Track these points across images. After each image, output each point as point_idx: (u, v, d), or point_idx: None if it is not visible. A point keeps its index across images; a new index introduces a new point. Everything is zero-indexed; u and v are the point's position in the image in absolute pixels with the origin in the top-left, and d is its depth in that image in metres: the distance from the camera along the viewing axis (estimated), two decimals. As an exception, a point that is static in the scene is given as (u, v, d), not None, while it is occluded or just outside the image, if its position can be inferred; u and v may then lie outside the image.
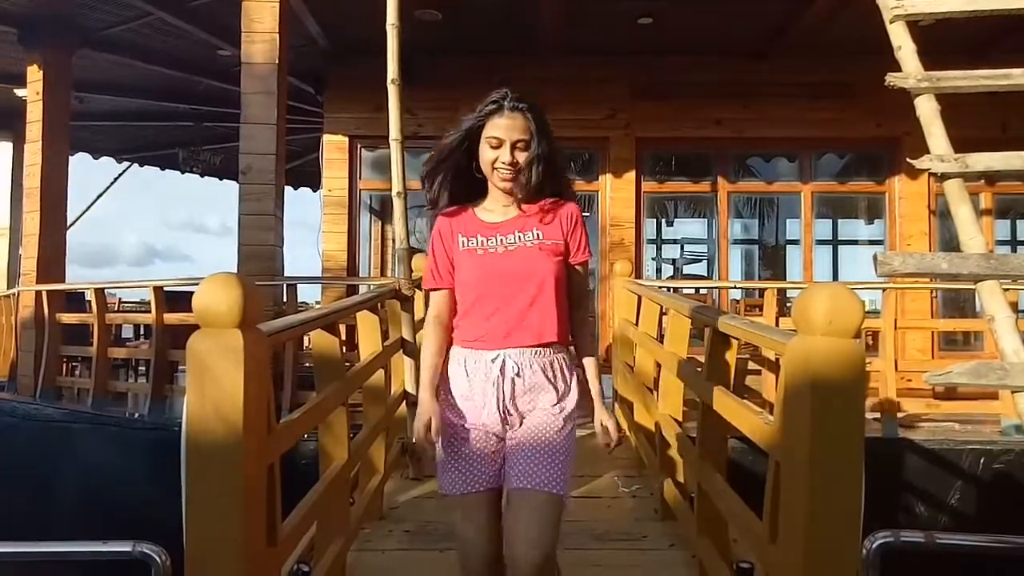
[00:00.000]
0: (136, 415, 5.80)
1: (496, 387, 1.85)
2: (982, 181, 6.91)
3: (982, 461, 4.47)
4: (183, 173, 11.54)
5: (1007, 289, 3.16)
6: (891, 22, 2.93)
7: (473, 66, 7.07)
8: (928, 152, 2.64)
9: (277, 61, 5.27)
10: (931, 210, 7.21)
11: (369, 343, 3.32)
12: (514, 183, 1.86)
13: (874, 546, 2.28)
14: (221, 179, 12.87)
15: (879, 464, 4.55)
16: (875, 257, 2.35)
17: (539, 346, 1.87)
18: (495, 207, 1.92)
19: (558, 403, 1.89)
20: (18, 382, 6.70)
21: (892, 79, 2.74)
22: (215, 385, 1.62)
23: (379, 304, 3.59)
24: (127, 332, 8.77)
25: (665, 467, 3.44)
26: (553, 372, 1.89)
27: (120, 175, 12.41)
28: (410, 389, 3.91)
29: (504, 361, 1.85)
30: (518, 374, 1.86)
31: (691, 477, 3.03)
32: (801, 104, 7.04)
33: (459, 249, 1.89)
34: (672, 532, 3.26)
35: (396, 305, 3.88)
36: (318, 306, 6.44)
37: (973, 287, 2.44)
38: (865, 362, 1.71)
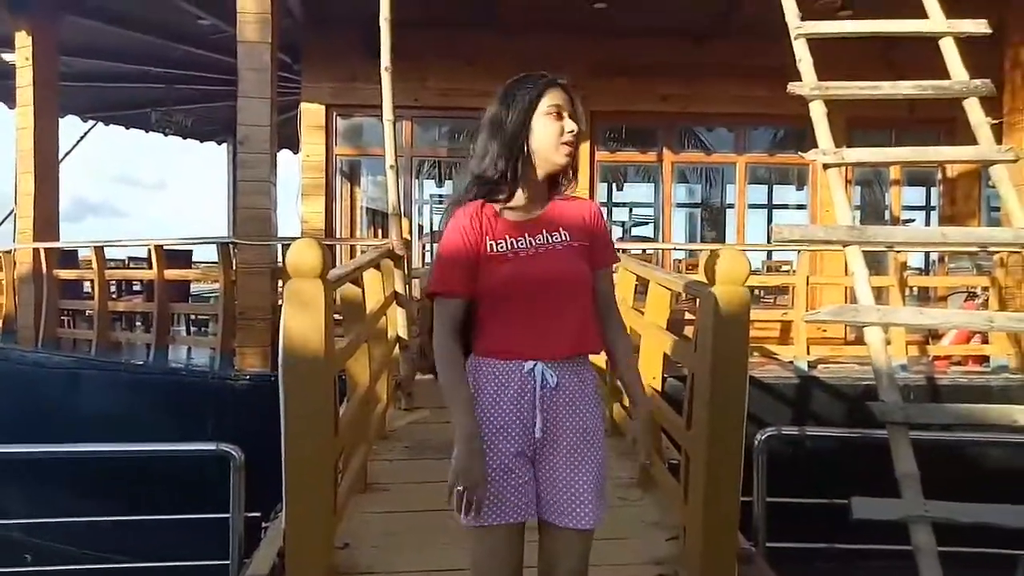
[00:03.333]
0: (141, 362, 6.38)
1: (531, 403, 1.69)
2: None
3: (872, 393, 5.43)
4: (154, 133, 11.78)
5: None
6: (795, 39, 3.71)
7: (437, 39, 7.64)
8: (816, 146, 3.44)
9: (269, 40, 5.80)
10: (848, 179, 8.14)
11: (375, 294, 4.03)
12: (570, 158, 1.74)
13: (763, 437, 3.16)
14: (185, 139, 13.22)
15: (791, 396, 5.52)
16: (771, 228, 3.16)
17: (575, 356, 1.74)
18: (520, 204, 1.73)
19: (595, 419, 1.77)
20: (18, 334, 7.18)
21: (792, 87, 3.53)
22: (306, 318, 2.31)
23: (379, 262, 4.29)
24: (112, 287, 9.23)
25: (613, 393, 4.26)
26: (588, 384, 1.77)
27: (85, 134, 12.58)
28: (403, 335, 4.65)
29: (541, 373, 1.69)
30: (556, 387, 1.70)
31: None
32: (738, 83, 7.82)
33: (487, 253, 1.68)
34: (618, 446, 4.09)
35: (390, 263, 4.57)
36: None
37: (843, 250, 3.27)
38: (749, 302, 2.52)
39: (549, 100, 1.71)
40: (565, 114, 1.72)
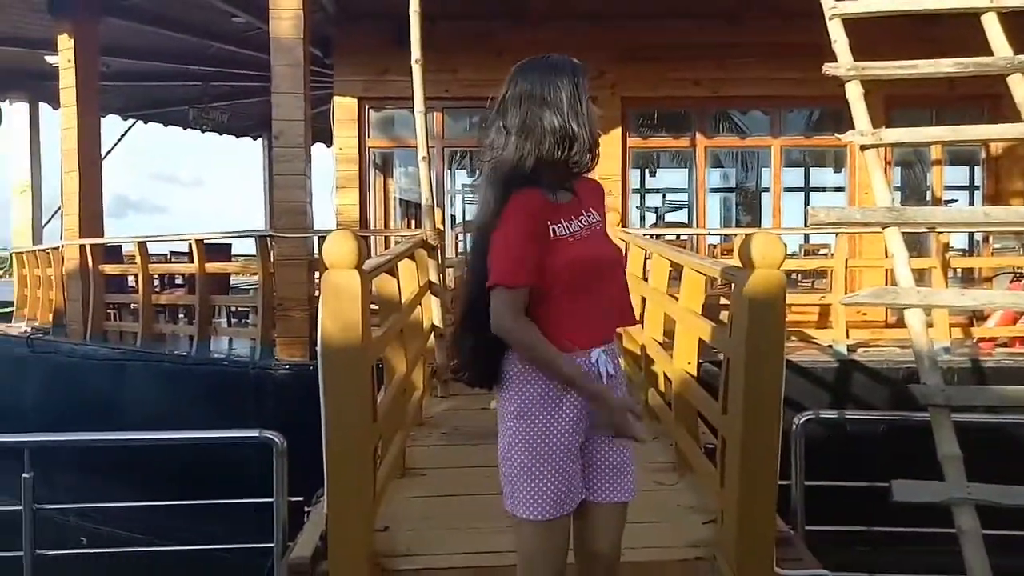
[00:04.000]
0: (184, 353, 6.56)
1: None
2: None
3: (914, 376, 5.34)
4: (192, 130, 12.02)
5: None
6: (830, 19, 3.64)
7: (467, 30, 7.66)
8: (853, 127, 3.39)
9: (302, 35, 5.88)
10: (887, 161, 7.97)
11: (409, 284, 4.08)
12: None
13: (801, 421, 3.14)
14: (222, 135, 13.47)
15: (830, 380, 5.45)
16: (806, 211, 3.13)
17: (614, 338, 1.80)
18: (558, 188, 1.71)
19: (626, 393, 1.81)
20: (67, 328, 7.41)
21: (828, 68, 3.48)
22: (343, 308, 2.36)
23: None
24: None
25: (649, 379, 4.26)
26: (619, 362, 1.81)
27: (126, 132, 12.88)
28: (437, 323, 4.70)
29: (599, 361, 1.70)
30: (610, 373, 1.72)
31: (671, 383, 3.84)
32: (772, 65, 7.69)
33: (552, 237, 1.65)
34: (655, 429, 4.09)
35: (424, 253, 4.62)
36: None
37: (882, 232, 3.22)
38: (785, 285, 2.50)
39: (587, 83, 1.73)
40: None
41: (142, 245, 6.85)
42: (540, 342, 1.62)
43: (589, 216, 1.74)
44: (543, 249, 1.64)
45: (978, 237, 8.87)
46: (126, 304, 7.68)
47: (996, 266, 7.12)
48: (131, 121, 12.64)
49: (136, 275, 7.09)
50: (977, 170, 9.13)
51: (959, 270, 7.42)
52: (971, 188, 9.56)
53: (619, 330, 1.99)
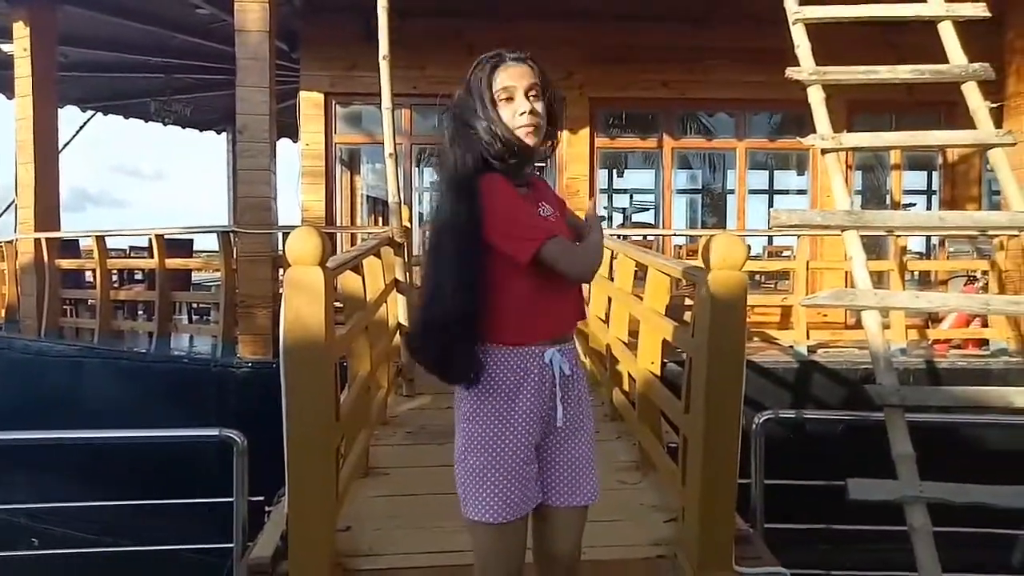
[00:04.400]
0: (144, 351, 6.42)
1: (551, 394, 1.67)
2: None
3: (871, 378, 5.45)
4: (154, 123, 11.77)
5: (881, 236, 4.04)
6: (793, 24, 3.70)
7: (437, 27, 7.64)
8: (815, 131, 3.45)
9: (268, 28, 5.79)
10: (848, 164, 8.13)
11: (375, 282, 4.05)
12: (538, 136, 1.67)
13: (761, 420, 3.19)
14: (185, 128, 13.22)
15: (791, 380, 5.54)
16: (769, 213, 3.18)
17: (571, 335, 1.77)
18: (514, 181, 1.68)
19: (586, 396, 1.78)
20: (21, 323, 7.21)
21: (790, 72, 3.53)
22: (306, 305, 2.33)
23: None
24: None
25: (614, 380, 4.29)
26: (578, 361, 1.79)
27: (85, 124, 12.57)
28: (404, 322, 4.67)
29: (556, 361, 1.67)
30: (566, 373, 1.69)
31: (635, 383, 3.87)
32: (738, 68, 7.79)
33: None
34: (619, 429, 4.13)
35: (390, 251, 4.59)
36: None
37: (840, 235, 3.28)
38: (747, 287, 2.53)
39: (499, 83, 1.65)
40: (518, 95, 1.64)
41: (100, 239, 6.69)
42: (591, 246, 1.72)
43: (545, 210, 1.74)
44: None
45: (935, 241, 9.10)
46: (83, 300, 7.50)
47: (951, 269, 7.30)
48: (90, 113, 12.34)
49: (94, 270, 6.91)
50: (934, 175, 9.35)
51: (916, 273, 7.61)
52: (928, 192, 9.79)
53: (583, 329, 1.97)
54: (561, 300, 1.69)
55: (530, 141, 1.66)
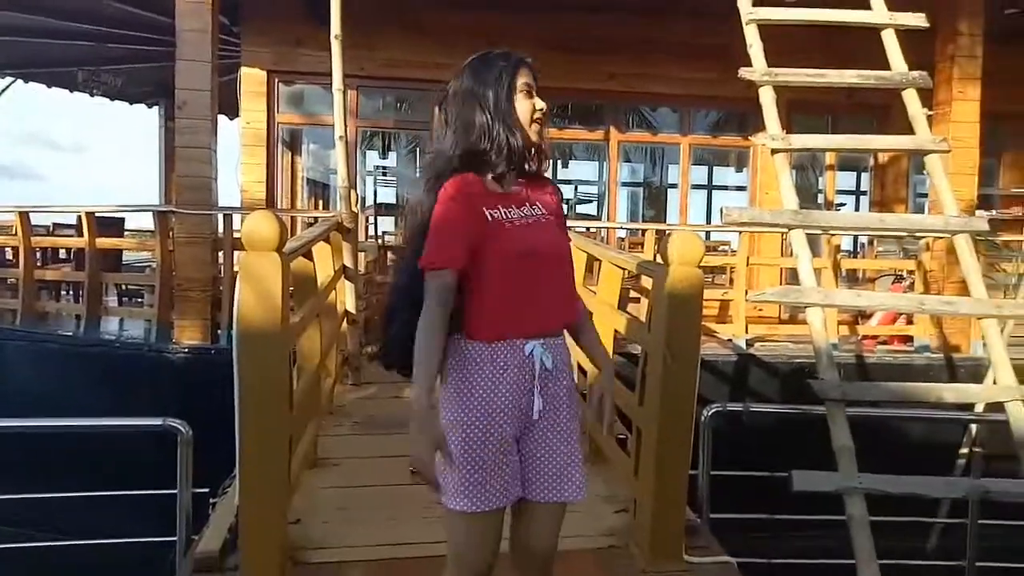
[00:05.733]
0: (70, 333, 6.13)
1: (529, 387, 1.67)
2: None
3: (805, 370, 5.65)
4: (79, 93, 11.19)
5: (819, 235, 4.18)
6: (747, 24, 3.77)
7: (386, 8, 7.48)
8: (762, 130, 3.53)
9: (211, 0, 5.57)
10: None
11: (325, 268, 3.96)
12: (541, 135, 1.77)
13: (710, 413, 3.26)
14: (113, 100, 12.61)
15: (730, 373, 5.69)
16: (721, 210, 3.24)
17: (559, 331, 1.76)
18: (501, 179, 1.73)
19: (574, 393, 1.77)
20: (-66, 303, 6.79)
21: (743, 72, 3.59)
22: (262, 291, 2.27)
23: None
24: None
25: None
26: (568, 358, 1.79)
27: (3, 90, 11.87)
28: (351, 309, 4.60)
29: (537, 354, 1.67)
30: (550, 367, 1.69)
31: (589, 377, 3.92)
32: (685, 64, 7.92)
33: (485, 220, 1.65)
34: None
35: (339, 237, 4.50)
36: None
37: (787, 232, 3.38)
38: (703, 283, 2.59)
39: (522, 78, 1.73)
40: (535, 93, 1.75)
41: (24, 215, 6.33)
42: (431, 327, 1.59)
43: (533, 208, 1.75)
44: (478, 232, 1.64)
45: (862, 240, 9.48)
46: (2, 279, 7.10)
47: (879, 268, 7.62)
48: (9, 79, 11.66)
49: (15, 248, 6.55)
50: (864, 176, 9.74)
51: (844, 271, 7.92)
52: (858, 193, 10.19)
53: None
54: (546, 295, 1.69)
55: (535, 138, 1.75)
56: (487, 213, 1.67)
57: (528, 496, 1.70)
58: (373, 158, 11.32)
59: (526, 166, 1.78)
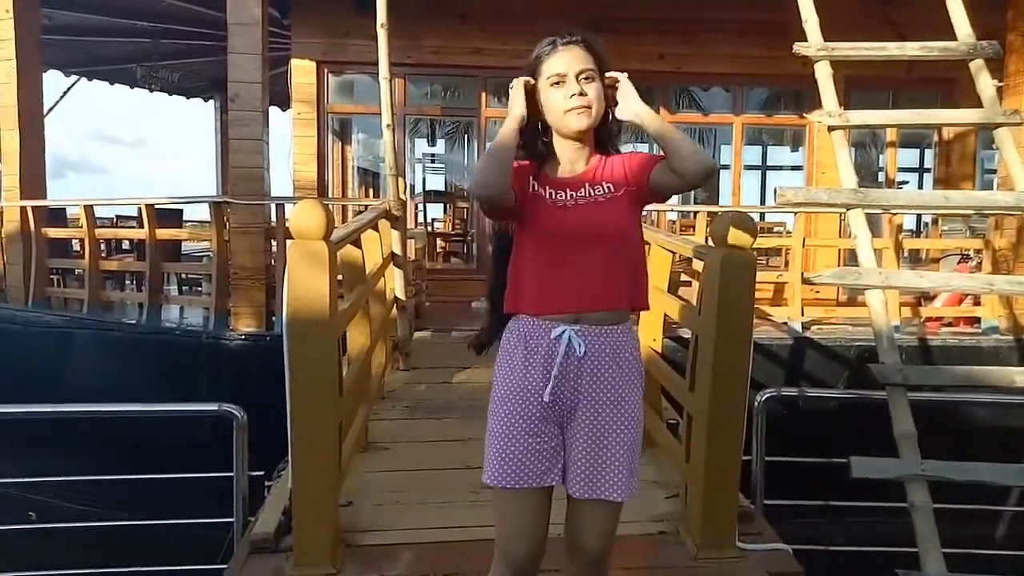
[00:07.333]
0: (134, 321, 6.34)
1: (559, 368, 1.62)
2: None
3: (865, 354, 5.47)
4: (139, 89, 11.53)
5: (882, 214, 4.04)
6: (802, -4, 3.64)
7: (433, -3, 7.50)
8: (818, 107, 3.40)
9: (260, -6, 5.65)
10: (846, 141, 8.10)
11: (373, 255, 4.00)
12: (590, 119, 1.66)
13: (763, 398, 3.19)
14: (171, 95, 12.96)
15: (785, 357, 5.56)
16: (775, 190, 3.14)
17: (608, 316, 1.66)
18: (563, 165, 1.72)
19: (630, 390, 1.68)
20: (7, 293, 7.10)
21: (798, 48, 3.47)
22: (310, 279, 2.29)
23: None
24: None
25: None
26: (625, 351, 1.68)
27: (69, 89, 12.30)
28: (400, 295, 4.63)
29: (569, 337, 1.62)
30: (585, 353, 1.63)
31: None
32: (736, 41, 7.71)
33: (528, 192, 1.67)
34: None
35: (387, 224, 4.53)
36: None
37: (845, 213, 3.26)
38: (755, 266, 2.52)
39: (548, 69, 1.68)
40: (569, 79, 1.65)
41: (88, 208, 6.57)
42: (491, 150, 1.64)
43: (595, 189, 1.70)
44: (521, 187, 1.65)
45: (926, 219, 9.13)
46: (70, 269, 7.39)
47: (944, 247, 7.33)
48: (74, 78, 12.08)
49: (81, 239, 6.80)
50: (928, 153, 9.36)
51: (907, 251, 7.64)
52: (921, 170, 9.80)
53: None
54: (584, 276, 1.64)
55: (580, 124, 1.67)
56: (532, 182, 1.69)
57: (567, 489, 1.68)
58: (422, 145, 11.38)
59: (583, 151, 1.71)
